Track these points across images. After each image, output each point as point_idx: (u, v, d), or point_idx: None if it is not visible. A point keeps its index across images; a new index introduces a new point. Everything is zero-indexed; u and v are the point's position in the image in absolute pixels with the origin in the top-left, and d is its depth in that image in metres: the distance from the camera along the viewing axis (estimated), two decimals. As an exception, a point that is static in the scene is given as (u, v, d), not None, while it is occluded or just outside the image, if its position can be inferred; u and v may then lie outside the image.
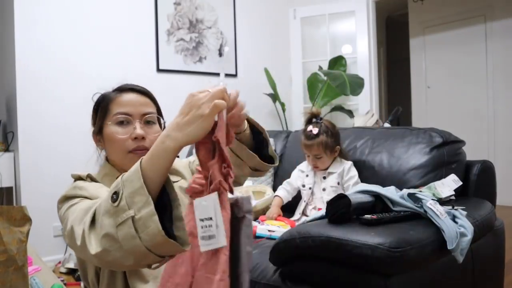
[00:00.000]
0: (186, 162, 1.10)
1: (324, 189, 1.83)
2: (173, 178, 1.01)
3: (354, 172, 1.80)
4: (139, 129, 0.92)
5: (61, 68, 2.69)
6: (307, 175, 1.91)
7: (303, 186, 1.91)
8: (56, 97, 2.67)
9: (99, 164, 1.07)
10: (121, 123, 0.94)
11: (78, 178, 0.95)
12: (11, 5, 2.54)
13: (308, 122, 1.87)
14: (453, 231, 1.16)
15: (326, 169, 1.85)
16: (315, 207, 1.87)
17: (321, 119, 1.86)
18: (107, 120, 0.95)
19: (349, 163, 1.82)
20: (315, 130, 1.78)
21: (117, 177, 0.69)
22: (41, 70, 2.62)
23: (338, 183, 1.80)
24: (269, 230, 1.67)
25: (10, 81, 2.70)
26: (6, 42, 2.78)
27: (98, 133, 1.00)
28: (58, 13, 2.68)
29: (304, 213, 1.89)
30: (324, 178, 1.84)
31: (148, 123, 0.96)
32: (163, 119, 1.01)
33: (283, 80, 3.78)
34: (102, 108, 0.98)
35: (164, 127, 0.99)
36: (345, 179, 1.80)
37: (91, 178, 0.95)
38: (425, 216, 1.23)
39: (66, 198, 0.84)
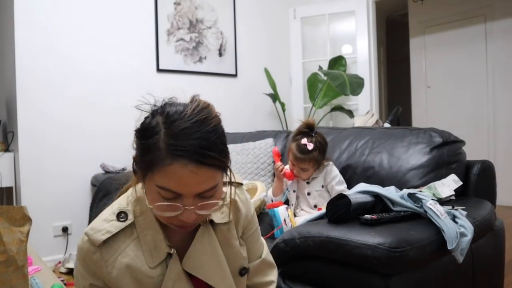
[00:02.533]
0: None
1: (309, 194, 1.82)
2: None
3: (335, 171, 1.80)
4: (190, 214, 0.71)
5: (61, 68, 2.69)
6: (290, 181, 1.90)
7: (287, 189, 1.90)
8: (56, 97, 2.67)
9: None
10: (167, 198, 0.71)
11: (89, 245, 0.77)
12: (11, 4, 2.54)
13: (301, 133, 1.81)
14: (453, 231, 1.16)
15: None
16: (302, 209, 1.86)
17: (315, 132, 1.80)
18: (149, 179, 0.71)
19: (329, 163, 1.81)
20: (310, 146, 1.73)
21: (156, 235, 0.72)
22: (41, 70, 2.62)
23: (322, 186, 1.80)
24: (284, 219, 1.64)
25: (10, 80, 2.70)
26: (6, 41, 2.78)
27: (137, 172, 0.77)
28: (58, 13, 2.68)
29: (294, 215, 1.88)
30: (308, 183, 1.82)
31: (204, 197, 0.72)
32: (229, 175, 0.77)
33: (283, 80, 3.78)
34: (145, 161, 0.71)
35: (231, 182, 0.78)
36: (328, 180, 1.79)
37: (106, 242, 0.77)
38: (425, 216, 1.23)
39: (79, 270, 0.80)
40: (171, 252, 0.79)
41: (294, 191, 1.87)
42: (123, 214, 0.79)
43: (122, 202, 0.82)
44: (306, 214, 1.78)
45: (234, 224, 0.88)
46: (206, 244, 0.82)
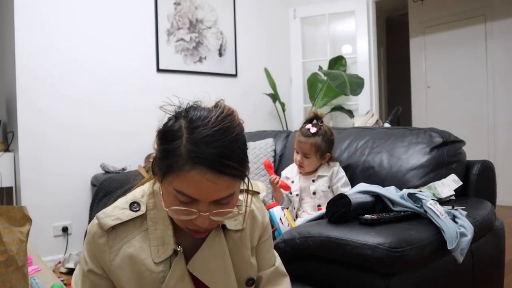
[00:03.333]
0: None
1: (314, 193, 1.81)
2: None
3: (342, 173, 1.80)
4: (204, 219, 0.70)
5: (61, 67, 2.69)
6: (292, 181, 1.89)
7: (290, 192, 1.89)
8: (56, 97, 2.67)
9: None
10: (184, 202, 0.71)
11: (97, 228, 0.78)
12: (11, 4, 2.54)
13: (309, 121, 1.86)
14: (453, 231, 1.16)
15: (315, 172, 1.83)
16: (305, 211, 1.85)
17: (322, 122, 1.84)
18: (167, 182, 0.71)
19: (336, 164, 1.82)
20: (313, 129, 1.78)
21: (168, 231, 0.74)
22: (41, 70, 2.62)
23: (329, 187, 1.79)
24: (281, 219, 1.64)
25: (10, 81, 2.70)
26: (6, 41, 2.78)
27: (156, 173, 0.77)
28: (58, 13, 2.68)
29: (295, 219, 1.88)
30: (314, 181, 1.82)
31: (219, 204, 0.72)
32: (247, 183, 0.76)
33: (283, 80, 3.78)
34: (165, 164, 0.71)
35: (248, 189, 0.77)
36: (334, 181, 1.79)
37: (116, 227, 0.77)
38: (425, 216, 1.23)
39: (83, 258, 0.80)
40: (178, 249, 0.79)
41: (297, 194, 1.86)
42: (136, 204, 0.79)
43: (137, 193, 0.82)
44: (318, 213, 1.78)
45: (250, 233, 0.87)
46: (215, 249, 0.81)
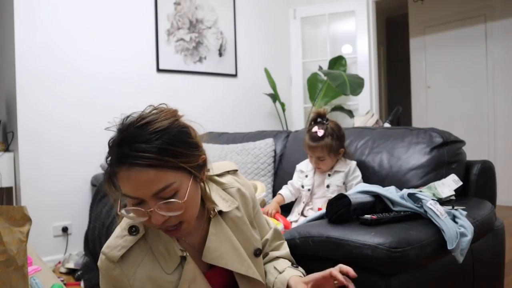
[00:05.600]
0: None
1: (328, 186, 1.80)
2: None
3: (358, 172, 1.78)
4: (157, 216, 0.74)
5: (61, 67, 2.69)
6: (306, 176, 1.89)
7: (302, 187, 1.90)
8: (56, 97, 2.67)
9: None
10: (136, 204, 0.75)
11: (108, 263, 0.81)
12: (11, 4, 2.54)
13: (313, 121, 1.83)
14: (453, 231, 1.16)
15: (331, 168, 1.83)
16: (312, 207, 1.86)
17: (327, 120, 1.81)
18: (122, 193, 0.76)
19: (354, 163, 1.80)
20: (320, 132, 1.74)
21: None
22: (41, 70, 2.62)
23: (344, 183, 1.78)
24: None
25: (10, 81, 2.70)
26: (6, 41, 2.78)
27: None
28: (59, 13, 2.68)
29: (302, 214, 1.88)
30: (329, 175, 1.81)
31: (166, 202, 0.74)
32: (190, 168, 0.78)
33: (283, 80, 3.78)
34: (108, 172, 0.76)
35: (195, 174, 0.79)
36: (349, 179, 1.78)
37: (123, 257, 0.81)
38: (425, 216, 1.23)
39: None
40: (184, 255, 0.83)
41: (309, 189, 1.86)
42: (134, 228, 0.83)
43: None
44: (318, 213, 1.78)
45: (244, 208, 0.94)
46: (220, 235, 0.88)
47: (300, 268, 1.02)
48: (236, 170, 0.99)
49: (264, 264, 1.02)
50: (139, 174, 0.71)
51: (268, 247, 1.05)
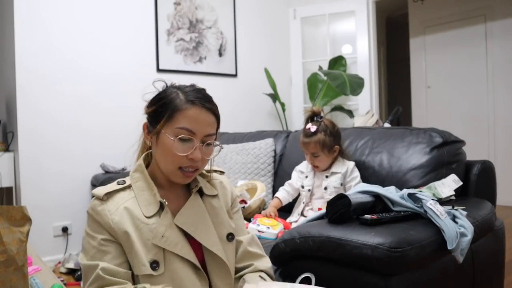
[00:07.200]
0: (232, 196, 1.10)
1: (326, 188, 1.81)
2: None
3: (356, 172, 1.79)
4: (198, 152, 0.91)
5: (61, 67, 2.69)
6: (306, 176, 1.90)
7: (302, 187, 1.90)
8: (56, 97, 2.67)
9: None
10: (182, 139, 0.90)
11: (94, 200, 0.93)
12: (11, 4, 2.54)
13: (309, 120, 1.86)
14: (453, 231, 1.16)
15: (329, 168, 1.84)
16: (312, 208, 1.86)
17: (321, 117, 1.84)
18: (168, 128, 0.91)
19: (352, 163, 1.81)
20: (313, 128, 1.78)
21: (154, 192, 0.92)
22: (41, 70, 2.62)
23: (341, 184, 1.79)
24: (258, 231, 1.67)
25: (10, 80, 2.70)
26: (6, 41, 2.78)
27: (153, 132, 0.95)
28: (59, 13, 2.68)
29: (302, 214, 1.88)
30: (327, 177, 1.83)
31: (207, 144, 0.93)
32: (217, 138, 0.97)
33: (283, 80, 3.78)
34: (167, 112, 0.92)
35: (217, 144, 0.99)
36: (347, 180, 1.78)
37: (109, 195, 0.93)
38: (425, 216, 1.23)
39: (86, 233, 0.92)
40: (163, 201, 0.93)
41: (309, 190, 1.87)
42: (121, 181, 0.97)
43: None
44: (317, 213, 1.78)
45: (223, 198, 1.04)
46: (196, 208, 0.97)
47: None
48: (223, 172, 1.13)
49: (250, 273, 1.03)
50: (207, 116, 0.92)
51: (243, 251, 1.04)
